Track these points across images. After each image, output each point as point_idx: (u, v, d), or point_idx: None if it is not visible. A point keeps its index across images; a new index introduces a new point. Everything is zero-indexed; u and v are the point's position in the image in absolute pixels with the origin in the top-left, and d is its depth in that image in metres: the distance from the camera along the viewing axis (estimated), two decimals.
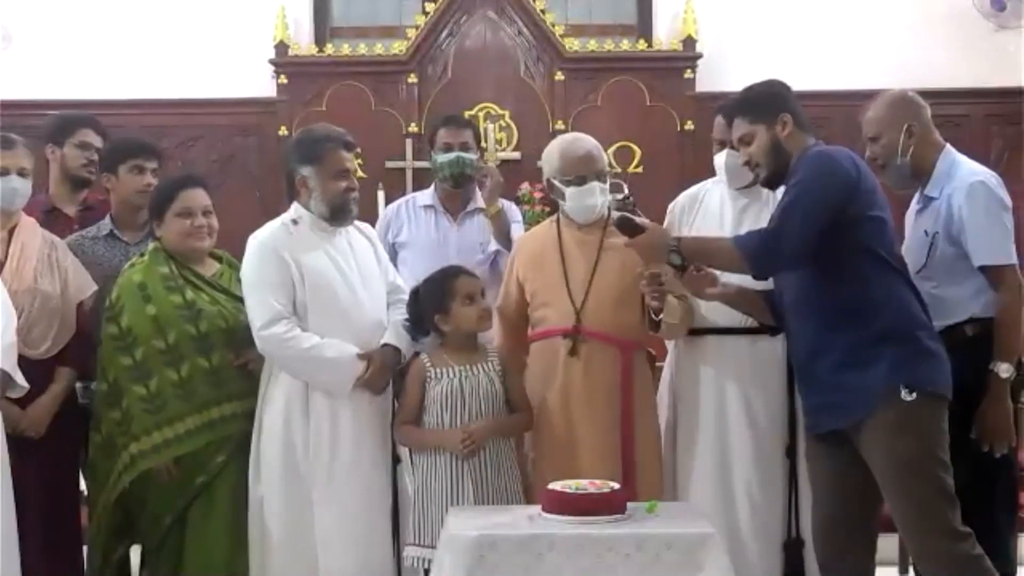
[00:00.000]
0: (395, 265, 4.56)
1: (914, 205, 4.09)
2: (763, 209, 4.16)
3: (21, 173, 4.22)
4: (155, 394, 3.96)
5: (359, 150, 6.88)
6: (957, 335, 3.81)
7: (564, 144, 4.18)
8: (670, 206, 4.35)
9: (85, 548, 4.38)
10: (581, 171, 4.07)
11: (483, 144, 7.26)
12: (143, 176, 4.51)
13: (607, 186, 4.11)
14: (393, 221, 4.96)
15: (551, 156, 4.14)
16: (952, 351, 3.68)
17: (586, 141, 4.18)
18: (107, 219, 4.55)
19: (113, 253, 4.41)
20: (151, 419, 3.95)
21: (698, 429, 4.12)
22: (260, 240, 4.02)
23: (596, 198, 4.05)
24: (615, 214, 3.96)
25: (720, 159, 4.19)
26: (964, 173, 3.93)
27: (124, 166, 4.53)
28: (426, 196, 5.01)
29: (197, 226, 4.10)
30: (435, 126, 5.05)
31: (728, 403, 4.08)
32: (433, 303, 3.97)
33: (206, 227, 4.13)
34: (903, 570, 5.09)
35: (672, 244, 3.76)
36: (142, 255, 4.15)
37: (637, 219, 3.84)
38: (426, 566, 3.78)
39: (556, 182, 4.12)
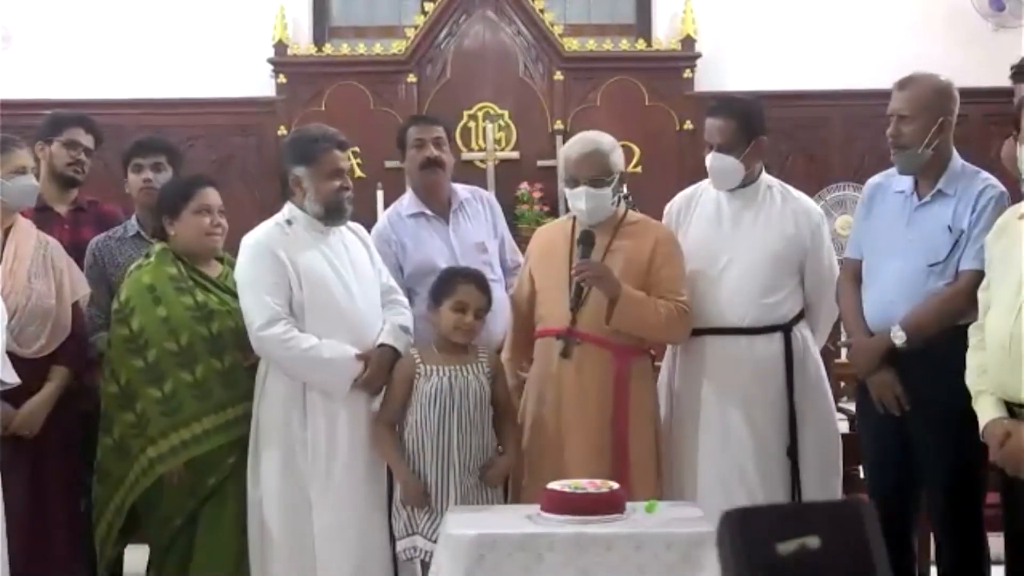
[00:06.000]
0: (411, 289, 4.41)
1: (905, 196, 3.98)
2: (759, 211, 4.16)
3: (34, 172, 4.28)
4: (170, 396, 3.95)
5: (357, 149, 7.04)
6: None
7: (567, 146, 4.18)
8: (666, 208, 4.34)
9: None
10: (573, 174, 4.05)
11: (482, 144, 7.33)
12: (141, 173, 4.56)
13: (605, 192, 4.01)
14: (393, 241, 4.56)
15: (560, 155, 4.17)
16: (958, 354, 3.60)
17: (587, 142, 4.10)
18: (133, 220, 4.56)
19: (140, 253, 4.38)
20: (168, 421, 3.94)
21: (698, 430, 4.11)
22: (255, 240, 4.02)
23: (582, 203, 4.00)
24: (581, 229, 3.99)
25: (706, 161, 4.17)
26: (984, 176, 3.92)
27: (129, 167, 4.61)
28: (409, 204, 4.65)
29: (215, 224, 4.12)
30: (404, 127, 4.76)
31: (728, 403, 4.08)
32: (432, 293, 4.00)
33: (221, 226, 4.14)
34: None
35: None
36: (148, 256, 4.15)
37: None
38: (424, 558, 3.80)
39: (561, 182, 4.14)
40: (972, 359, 3.53)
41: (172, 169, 4.63)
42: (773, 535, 2.95)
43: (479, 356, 3.99)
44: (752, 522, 3.02)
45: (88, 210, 4.76)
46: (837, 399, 4.66)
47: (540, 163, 7.24)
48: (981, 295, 3.57)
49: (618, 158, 4.11)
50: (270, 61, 7.45)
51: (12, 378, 3.90)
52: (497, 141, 7.40)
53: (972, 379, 3.52)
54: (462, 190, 4.76)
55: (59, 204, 4.72)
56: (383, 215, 4.86)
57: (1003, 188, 3.88)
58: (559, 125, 7.30)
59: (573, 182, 4.04)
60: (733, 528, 3.00)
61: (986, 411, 3.43)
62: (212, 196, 4.15)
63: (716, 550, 3.15)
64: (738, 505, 3.94)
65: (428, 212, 4.64)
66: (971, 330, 3.57)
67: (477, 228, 4.68)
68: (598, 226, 4.05)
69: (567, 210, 4.17)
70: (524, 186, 7.23)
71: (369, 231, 4.42)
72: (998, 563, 3.91)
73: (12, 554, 3.81)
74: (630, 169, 7.13)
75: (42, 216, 4.59)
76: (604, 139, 4.11)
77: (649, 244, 4.04)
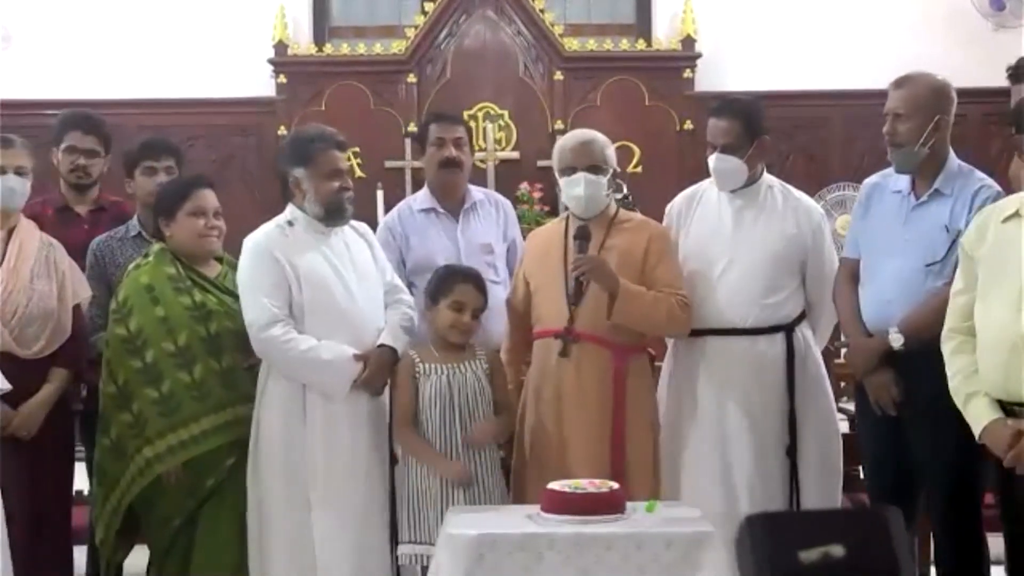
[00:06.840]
0: (411, 283, 4.46)
1: (903, 195, 3.98)
2: (760, 211, 4.16)
3: (19, 172, 4.20)
4: (168, 396, 3.93)
5: (357, 149, 7.04)
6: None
7: (562, 139, 4.20)
8: (667, 208, 4.34)
9: (83, 549, 4.38)
10: (570, 162, 4.06)
11: (482, 144, 7.33)
12: (155, 176, 4.53)
13: (602, 180, 4.04)
14: (398, 234, 4.66)
15: (555, 150, 4.17)
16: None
17: (584, 133, 4.17)
18: (135, 220, 4.55)
19: (140, 254, 4.34)
20: (165, 421, 3.93)
21: (698, 429, 4.11)
22: (255, 242, 4.01)
23: (580, 189, 4.02)
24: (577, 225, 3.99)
25: (710, 163, 4.18)
26: (980, 176, 3.92)
27: (138, 169, 4.57)
28: (422, 199, 4.77)
29: (210, 227, 4.10)
30: (426, 123, 4.87)
31: (728, 403, 4.07)
32: (430, 291, 4.01)
33: (217, 229, 4.13)
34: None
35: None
36: (147, 256, 4.14)
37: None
38: (423, 563, 3.80)
39: (556, 174, 4.14)
40: (955, 363, 3.51)
41: (179, 171, 4.63)
42: (796, 542, 2.93)
43: (477, 354, 4.00)
44: (775, 528, 2.99)
45: (109, 210, 4.75)
46: (837, 399, 4.65)
47: (540, 163, 7.23)
48: (960, 299, 3.54)
49: (612, 154, 4.14)
50: (270, 61, 7.46)
51: (2, 383, 3.89)
52: (497, 141, 7.41)
53: (958, 382, 3.50)
54: (477, 191, 4.82)
55: (79, 205, 4.73)
56: (395, 207, 4.90)
57: (999, 188, 3.88)
58: (559, 125, 7.31)
59: (570, 170, 4.05)
60: (755, 534, 2.98)
61: (982, 413, 3.41)
62: (208, 198, 4.13)
63: (735, 555, 3.16)
64: (737, 505, 4.00)
65: (439, 209, 4.68)
66: (946, 335, 3.55)
67: (486, 229, 4.72)
68: (592, 222, 4.05)
69: (566, 209, 4.18)
70: (524, 186, 7.24)
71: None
72: (998, 563, 3.91)
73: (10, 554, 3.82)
74: (630, 169, 7.16)
75: (62, 216, 4.62)
76: (599, 134, 4.16)
77: (643, 241, 4.05)
